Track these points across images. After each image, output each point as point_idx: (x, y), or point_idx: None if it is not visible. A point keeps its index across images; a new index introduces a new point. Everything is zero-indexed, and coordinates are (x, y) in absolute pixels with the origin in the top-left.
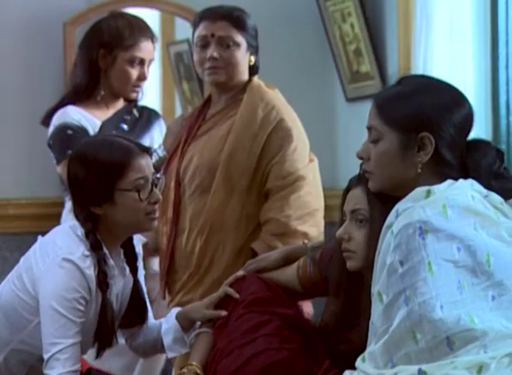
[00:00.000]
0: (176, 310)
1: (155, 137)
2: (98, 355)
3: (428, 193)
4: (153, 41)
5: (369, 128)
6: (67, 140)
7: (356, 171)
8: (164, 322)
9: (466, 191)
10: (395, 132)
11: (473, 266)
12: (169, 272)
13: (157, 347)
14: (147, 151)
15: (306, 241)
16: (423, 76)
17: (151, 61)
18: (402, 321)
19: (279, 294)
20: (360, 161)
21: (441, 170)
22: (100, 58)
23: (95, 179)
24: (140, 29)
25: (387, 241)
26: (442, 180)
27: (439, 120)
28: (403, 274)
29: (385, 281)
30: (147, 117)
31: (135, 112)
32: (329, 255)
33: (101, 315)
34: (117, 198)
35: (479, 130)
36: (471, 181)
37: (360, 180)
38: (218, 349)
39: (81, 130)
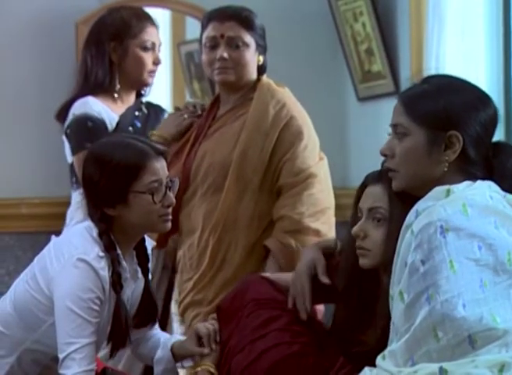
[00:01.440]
0: (172, 340)
1: None
2: (112, 355)
3: (448, 192)
4: (157, 27)
5: (394, 125)
6: (87, 132)
7: (367, 170)
8: (160, 349)
9: (484, 192)
10: (422, 129)
11: (494, 265)
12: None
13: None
14: (163, 154)
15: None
16: (447, 76)
17: (159, 46)
18: (424, 319)
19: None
20: (379, 159)
21: (466, 169)
22: (111, 51)
23: (110, 180)
24: (144, 15)
25: (407, 240)
26: (466, 179)
27: (467, 119)
28: (425, 273)
29: (407, 281)
30: (155, 113)
31: (143, 108)
32: (335, 262)
33: (114, 315)
34: (131, 199)
35: None
36: (488, 183)
37: (379, 177)
38: (230, 347)
39: (101, 123)
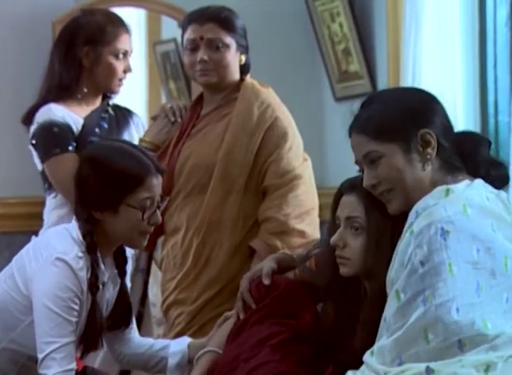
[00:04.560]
0: (188, 339)
1: (134, 134)
2: (82, 356)
3: (448, 191)
4: (130, 34)
5: (365, 156)
6: (54, 138)
7: (345, 169)
8: (173, 343)
9: (481, 192)
10: (394, 144)
11: (492, 268)
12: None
13: (145, 363)
14: (162, 171)
15: (283, 250)
16: (385, 90)
17: (131, 52)
18: (417, 320)
19: (300, 296)
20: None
21: (447, 162)
22: (83, 56)
23: (105, 186)
24: (119, 22)
25: (406, 240)
26: (451, 172)
27: (429, 114)
28: (424, 274)
29: (404, 280)
30: (124, 116)
31: (110, 110)
32: (323, 259)
33: (89, 317)
34: (121, 210)
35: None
36: (482, 182)
37: (354, 186)
38: (224, 361)
39: (66, 127)
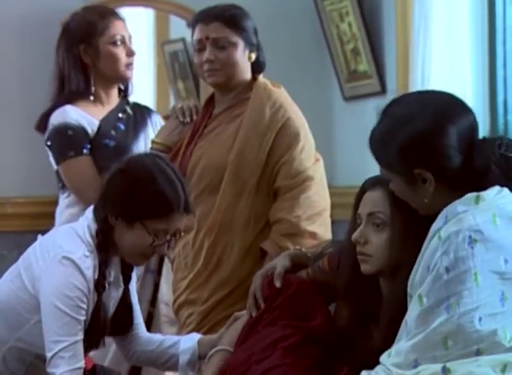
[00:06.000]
0: (198, 335)
1: (150, 134)
2: (84, 355)
3: (478, 199)
4: (123, 20)
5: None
6: (68, 140)
7: (353, 169)
8: (183, 340)
9: (511, 201)
10: (395, 174)
11: None
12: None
13: (155, 359)
14: (190, 212)
15: (298, 247)
16: (401, 99)
17: (130, 37)
18: (439, 326)
19: (312, 297)
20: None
21: (455, 185)
22: (82, 54)
23: (130, 202)
24: (107, 11)
25: (433, 245)
26: (460, 191)
27: (430, 146)
28: (448, 281)
29: (429, 285)
30: (142, 115)
31: (128, 109)
32: (336, 260)
33: (93, 316)
34: (135, 227)
35: None
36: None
37: (377, 182)
38: (235, 363)
39: (81, 130)
